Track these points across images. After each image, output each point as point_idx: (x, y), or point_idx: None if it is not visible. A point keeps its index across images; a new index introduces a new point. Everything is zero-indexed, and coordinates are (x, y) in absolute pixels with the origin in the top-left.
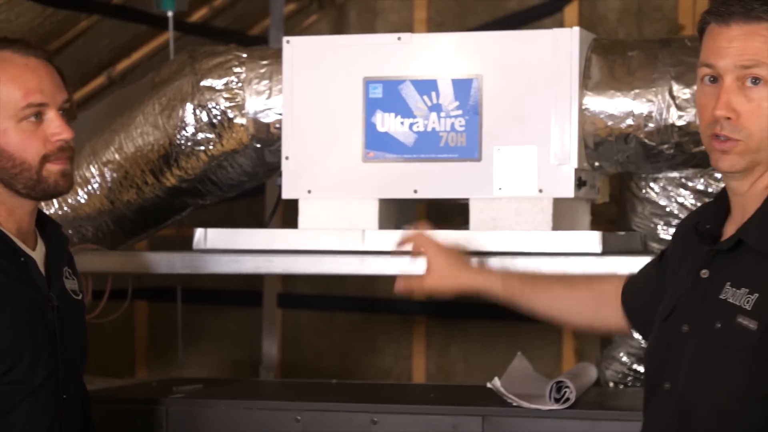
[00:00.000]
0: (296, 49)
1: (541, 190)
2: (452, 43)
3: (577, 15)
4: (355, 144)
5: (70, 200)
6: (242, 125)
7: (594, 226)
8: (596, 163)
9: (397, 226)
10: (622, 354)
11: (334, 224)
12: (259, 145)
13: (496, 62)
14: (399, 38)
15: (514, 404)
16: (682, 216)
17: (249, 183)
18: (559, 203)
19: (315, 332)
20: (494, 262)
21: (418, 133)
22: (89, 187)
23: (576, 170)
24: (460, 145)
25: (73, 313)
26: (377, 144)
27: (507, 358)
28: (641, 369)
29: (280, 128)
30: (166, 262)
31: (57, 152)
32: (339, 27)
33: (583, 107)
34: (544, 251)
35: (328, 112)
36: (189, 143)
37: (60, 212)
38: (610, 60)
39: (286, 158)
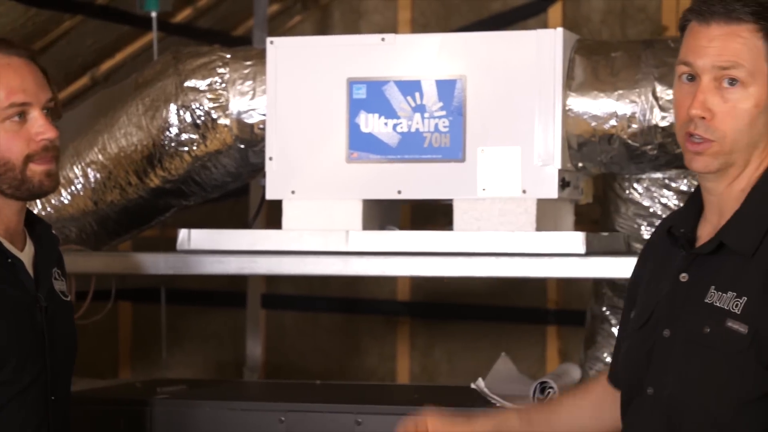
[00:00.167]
0: (280, 49)
1: (524, 191)
2: (436, 43)
3: (561, 16)
4: (339, 145)
5: (53, 201)
6: (226, 126)
7: (578, 226)
8: (580, 164)
9: (381, 227)
10: (605, 354)
11: (318, 225)
12: (242, 146)
13: (479, 63)
14: (383, 39)
15: (498, 405)
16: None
17: (233, 183)
18: (542, 204)
19: (299, 333)
20: (478, 263)
21: (401, 134)
22: (72, 188)
23: (559, 171)
24: (443, 145)
25: (61, 313)
26: (361, 145)
27: (491, 359)
28: None
29: (263, 129)
30: (150, 263)
31: (41, 152)
32: (323, 28)
33: (567, 108)
34: (527, 252)
35: (311, 113)
36: (173, 144)
37: (43, 213)
38: (593, 61)
39: (270, 159)
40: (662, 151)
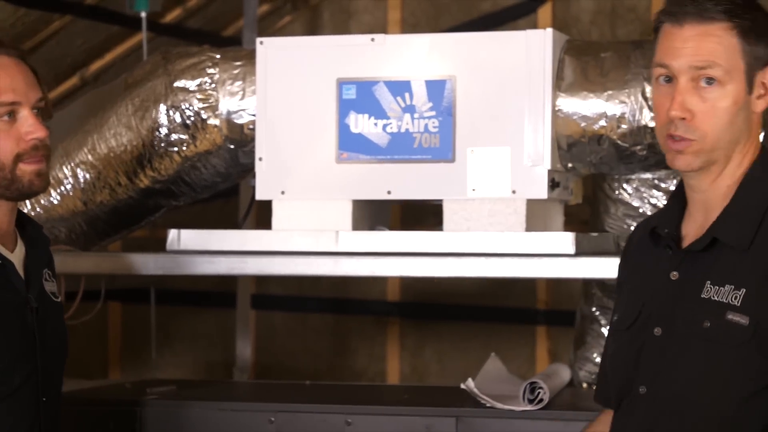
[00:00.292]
0: (270, 50)
1: (514, 191)
2: (426, 44)
3: (551, 16)
4: (329, 145)
5: (42, 201)
6: (216, 126)
7: (567, 227)
8: (569, 165)
9: (371, 228)
10: (595, 355)
11: (308, 225)
12: (232, 146)
13: (469, 63)
14: (372, 39)
15: (488, 405)
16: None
17: (222, 184)
18: (532, 204)
19: (289, 333)
20: (468, 263)
21: (391, 134)
22: (62, 188)
23: (549, 171)
24: (433, 146)
25: (52, 315)
26: (351, 145)
27: (481, 359)
28: None
29: (253, 129)
30: (140, 263)
31: (31, 151)
32: (312, 28)
33: (557, 108)
34: (517, 252)
35: (301, 113)
36: (162, 144)
37: (33, 213)
38: (583, 61)
39: (260, 159)
40: (652, 151)
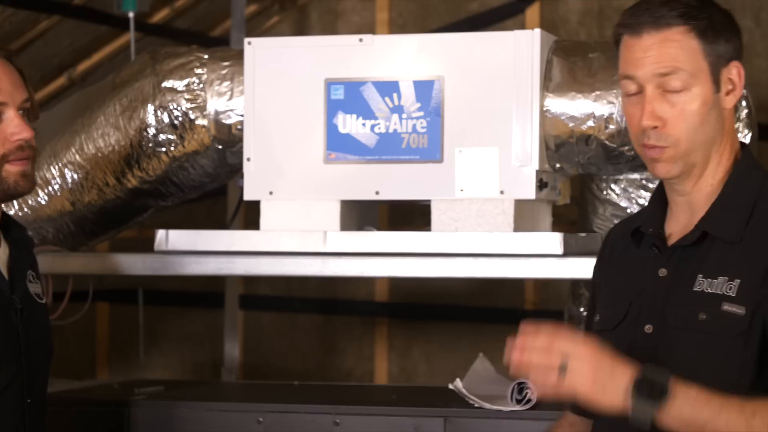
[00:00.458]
0: (258, 50)
1: (502, 192)
2: (414, 44)
3: (539, 17)
4: (317, 145)
5: (30, 201)
6: (204, 126)
7: (555, 227)
8: (557, 165)
9: (359, 228)
10: None
11: (296, 226)
12: (220, 147)
13: (457, 64)
14: (360, 40)
15: (476, 405)
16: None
17: (211, 184)
18: (520, 205)
19: (277, 334)
20: (456, 264)
21: (379, 135)
22: (50, 189)
23: (537, 172)
24: (421, 146)
25: (37, 316)
26: (339, 145)
27: (469, 360)
28: None
29: (241, 129)
30: (128, 264)
31: (16, 152)
32: (300, 28)
33: (544, 109)
34: (505, 253)
35: (289, 114)
36: (150, 144)
37: (20, 213)
38: (571, 62)
39: (248, 159)
40: None
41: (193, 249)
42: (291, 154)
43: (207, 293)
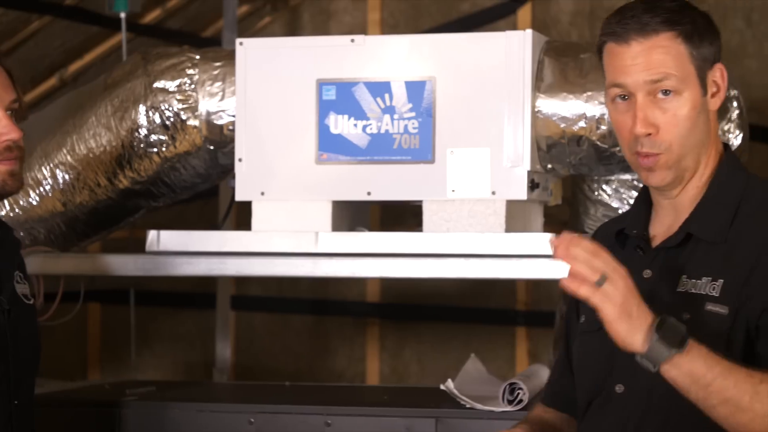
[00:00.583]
0: (249, 50)
1: (494, 192)
2: (405, 45)
3: (530, 17)
4: (309, 146)
5: (21, 202)
6: (195, 127)
7: (547, 228)
8: (549, 166)
9: (351, 229)
10: None
11: (288, 226)
12: (212, 147)
13: (449, 64)
14: (352, 40)
15: (468, 406)
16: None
17: (202, 185)
18: (512, 205)
19: (268, 334)
20: (448, 264)
21: (371, 135)
22: (41, 189)
23: (529, 172)
24: (413, 147)
25: (24, 317)
26: (330, 146)
27: (461, 360)
28: None
29: (233, 130)
30: (119, 264)
31: (4, 152)
32: (292, 29)
33: (536, 110)
34: (497, 253)
35: (281, 114)
36: (142, 145)
37: (11, 214)
38: (562, 62)
39: (240, 160)
40: None
41: (184, 249)
42: (282, 155)
43: (198, 294)
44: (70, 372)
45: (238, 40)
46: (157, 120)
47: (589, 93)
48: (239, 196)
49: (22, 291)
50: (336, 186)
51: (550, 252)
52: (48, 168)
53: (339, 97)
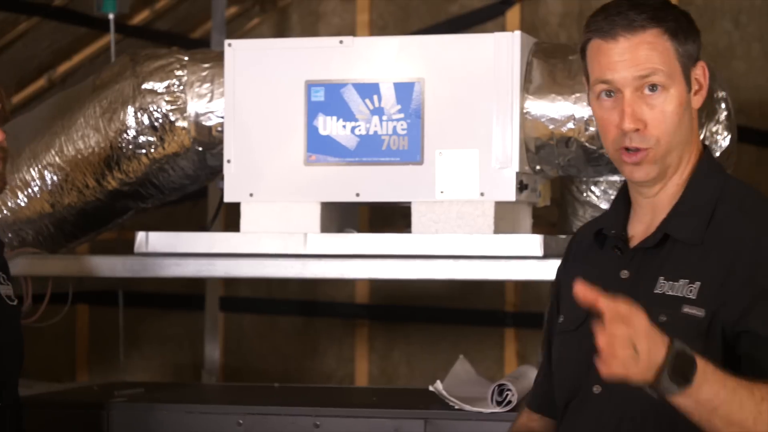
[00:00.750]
0: (238, 52)
1: (482, 194)
2: (394, 46)
3: (519, 19)
4: (297, 147)
5: (9, 203)
6: (184, 128)
7: (535, 229)
8: (537, 167)
9: (339, 230)
10: None
11: (276, 227)
12: (200, 149)
13: (437, 66)
14: (341, 41)
15: (456, 407)
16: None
17: (191, 186)
18: (500, 207)
19: (257, 336)
20: (437, 265)
21: (360, 137)
22: (29, 190)
23: (517, 174)
24: (402, 148)
25: (7, 319)
26: (319, 147)
27: (449, 362)
28: None
29: (221, 131)
30: (108, 266)
31: None
32: (281, 30)
33: (525, 111)
34: (485, 254)
35: (270, 116)
36: (130, 146)
37: None
38: (551, 64)
39: (228, 161)
40: None
41: (173, 251)
42: (271, 156)
43: (187, 295)
44: (58, 373)
45: (226, 42)
46: (146, 121)
47: (578, 94)
48: (228, 198)
49: (6, 292)
50: (325, 187)
51: (538, 253)
52: (36, 169)
53: (328, 98)
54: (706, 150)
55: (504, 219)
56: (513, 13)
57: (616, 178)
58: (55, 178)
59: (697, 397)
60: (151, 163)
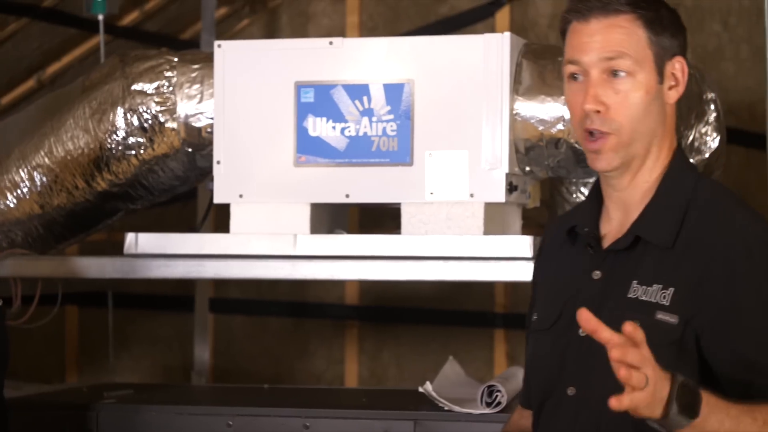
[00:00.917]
0: (228, 53)
1: (472, 195)
2: (384, 47)
3: (509, 20)
4: (287, 148)
5: None
6: (173, 129)
7: (525, 230)
8: (527, 168)
9: (329, 231)
10: None
11: (266, 229)
12: (190, 150)
13: (427, 67)
14: (331, 43)
15: (446, 408)
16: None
17: (180, 187)
18: (490, 208)
19: (247, 337)
20: (426, 267)
21: (350, 138)
22: (18, 191)
23: (507, 175)
24: (391, 149)
25: None
26: (309, 148)
27: (439, 363)
28: None
29: (211, 132)
30: (97, 267)
31: None
32: (271, 31)
33: (514, 112)
34: (475, 256)
35: (259, 117)
36: (120, 147)
37: None
38: (540, 65)
39: (218, 162)
40: None
41: (162, 252)
42: (261, 157)
43: (177, 296)
44: (47, 375)
45: (216, 43)
46: (135, 122)
47: None
48: (217, 199)
49: None
50: (314, 188)
51: (528, 254)
52: (25, 170)
53: (317, 99)
54: (679, 148)
55: (493, 220)
56: (502, 15)
57: None
58: (44, 179)
59: (703, 428)
60: (141, 164)
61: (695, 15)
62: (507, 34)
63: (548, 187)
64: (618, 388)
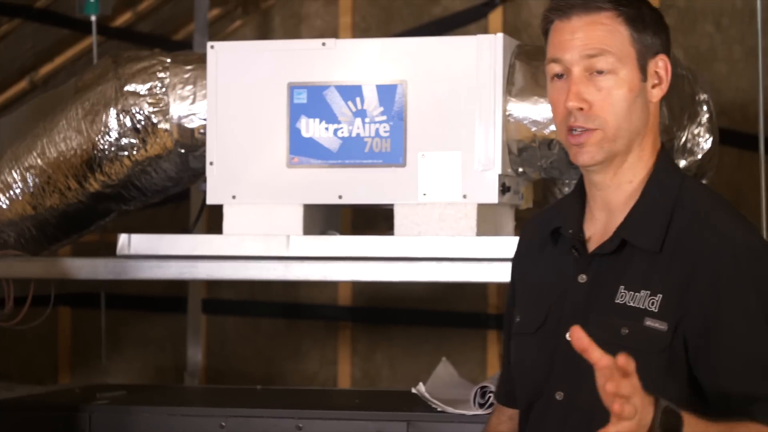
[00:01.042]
0: (220, 54)
1: (465, 196)
2: (377, 48)
3: (502, 21)
4: (280, 149)
5: None
6: (166, 130)
7: (518, 231)
8: (520, 169)
9: (322, 232)
10: None
11: (259, 230)
12: (183, 151)
13: (420, 68)
14: (323, 44)
15: (439, 409)
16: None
17: (173, 188)
18: (483, 209)
19: (240, 338)
20: (419, 268)
21: (342, 139)
22: (11, 193)
23: (500, 176)
24: (384, 150)
25: None
26: (302, 149)
27: (432, 364)
28: None
29: (204, 133)
30: (90, 268)
31: None
32: (263, 32)
33: (507, 113)
34: (468, 257)
35: (252, 118)
36: (112, 148)
37: None
38: (533, 66)
39: (211, 164)
40: None
41: (155, 253)
42: (254, 158)
43: (170, 297)
44: (40, 376)
45: (209, 44)
46: (128, 123)
47: None
48: (210, 200)
49: None
50: (307, 189)
51: None
52: (18, 171)
53: (310, 100)
54: (663, 149)
55: (486, 221)
56: (495, 16)
57: None
58: (36, 180)
59: None
60: (134, 165)
61: (688, 16)
62: (500, 36)
63: (541, 188)
64: None
